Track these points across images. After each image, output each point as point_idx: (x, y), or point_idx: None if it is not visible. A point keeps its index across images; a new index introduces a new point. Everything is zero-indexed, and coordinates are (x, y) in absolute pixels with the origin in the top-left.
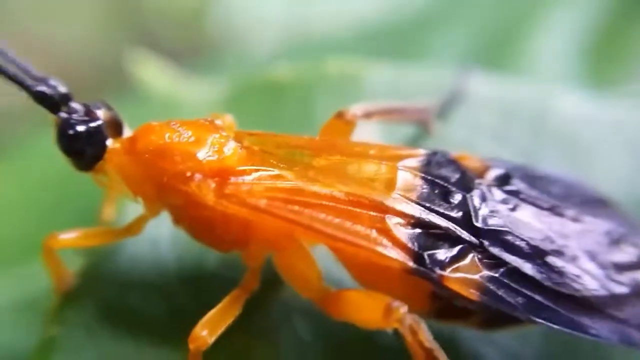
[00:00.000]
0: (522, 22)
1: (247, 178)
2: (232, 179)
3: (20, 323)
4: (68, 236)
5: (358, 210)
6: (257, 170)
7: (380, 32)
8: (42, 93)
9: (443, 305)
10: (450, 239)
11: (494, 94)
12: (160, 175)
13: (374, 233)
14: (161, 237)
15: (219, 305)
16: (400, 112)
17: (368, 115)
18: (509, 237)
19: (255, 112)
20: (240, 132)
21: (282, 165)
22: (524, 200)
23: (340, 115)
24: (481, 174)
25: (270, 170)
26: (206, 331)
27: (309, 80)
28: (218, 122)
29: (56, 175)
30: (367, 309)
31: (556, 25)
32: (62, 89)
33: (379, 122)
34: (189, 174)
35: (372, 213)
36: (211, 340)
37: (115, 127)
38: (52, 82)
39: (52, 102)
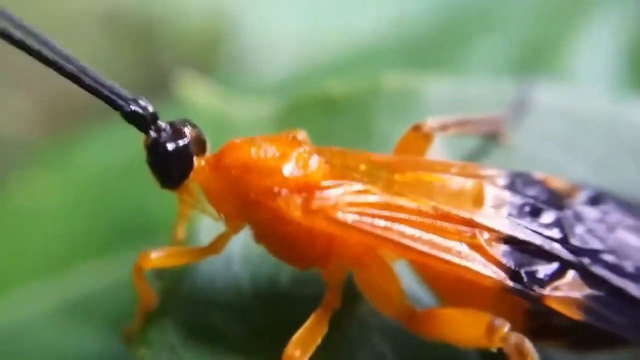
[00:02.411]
0: (560, 34)
1: (333, 193)
2: (318, 194)
3: (70, 325)
4: (158, 255)
5: (447, 225)
6: (341, 185)
7: (403, 44)
8: (135, 113)
9: (538, 325)
10: (547, 256)
11: (562, 102)
12: (247, 191)
13: (466, 249)
14: (234, 255)
15: (306, 324)
16: (475, 124)
17: (444, 127)
18: (610, 257)
19: (309, 128)
20: (320, 148)
21: (365, 180)
22: (619, 221)
23: (416, 129)
24: (570, 195)
25: (354, 185)
26: (299, 351)
27: (364, 95)
28: (300, 136)
29: (96, 184)
30: (465, 328)
31: (595, 37)
32: (151, 108)
33: (444, 135)
34: (276, 189)
35: (462, 228)
36: (304, 359)
37: (200, 144)
38: (142, 102)
39: (144, 122)
